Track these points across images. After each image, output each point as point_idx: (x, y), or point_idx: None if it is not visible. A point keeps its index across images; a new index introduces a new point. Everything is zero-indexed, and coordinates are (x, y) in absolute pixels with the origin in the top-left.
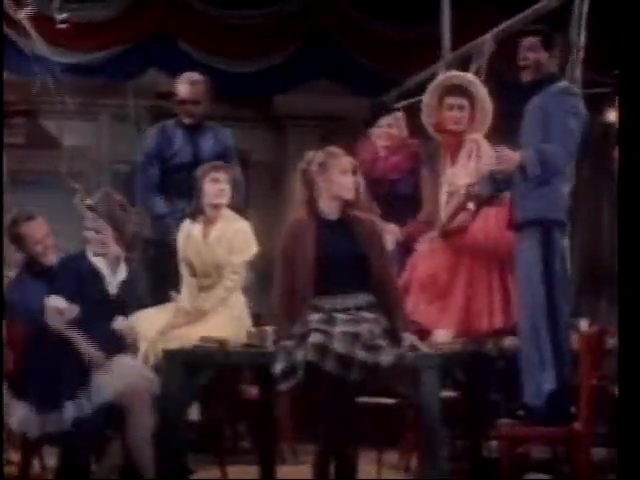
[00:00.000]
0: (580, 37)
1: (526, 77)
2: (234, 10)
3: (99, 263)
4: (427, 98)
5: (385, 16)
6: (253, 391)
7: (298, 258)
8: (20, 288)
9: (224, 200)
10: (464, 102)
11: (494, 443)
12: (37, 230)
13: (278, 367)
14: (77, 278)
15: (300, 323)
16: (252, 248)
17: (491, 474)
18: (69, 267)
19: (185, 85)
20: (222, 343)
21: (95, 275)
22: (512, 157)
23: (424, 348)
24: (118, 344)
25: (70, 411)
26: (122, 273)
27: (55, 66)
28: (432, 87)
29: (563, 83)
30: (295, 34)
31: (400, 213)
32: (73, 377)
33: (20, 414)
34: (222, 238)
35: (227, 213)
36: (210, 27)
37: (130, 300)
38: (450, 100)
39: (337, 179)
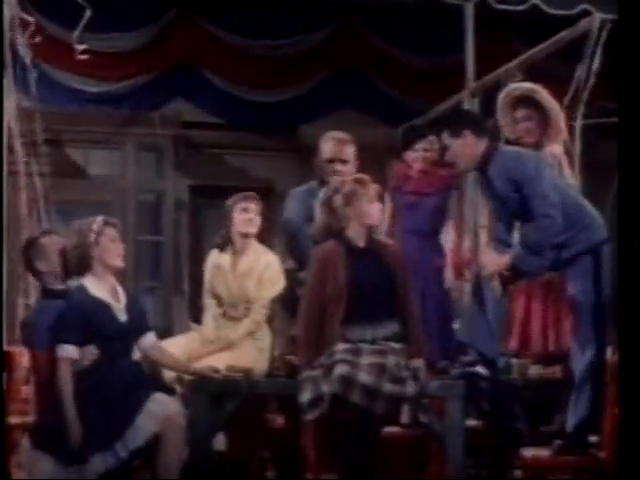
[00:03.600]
0: (593, 66)
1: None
2: (260, 40)
3: (100, 293)
4: (500, 117)
5: (410, 46)
6: (279, 420)
7: (328, 287)
8: (41, 312)
9: (253, 229)
10: (531, 112)
11: (519, 472)
12: (56, 241)
13: (304, 397)
14: (85, 315)
15: (327, 353)
16: (281, 282)
17: None
18: (73, 307)
19: (331, 143)
20: (247, 373)
21: (102, 306)
22: (500, 261)
23: (424, 377)
24: (143, 375)
25: (105, 462)
26: (123, 298)
27: (81, 96)
28: (500, 105)
29: (506, 150)
30: (320, 64)
31: (423, 225)
32: (108, 424)
33: (44, 469)
34: (251, 270)
35: (256, 245)
36: (236, 57)
37: (142, 322)
38: (518, 113)
39: (366, 208)
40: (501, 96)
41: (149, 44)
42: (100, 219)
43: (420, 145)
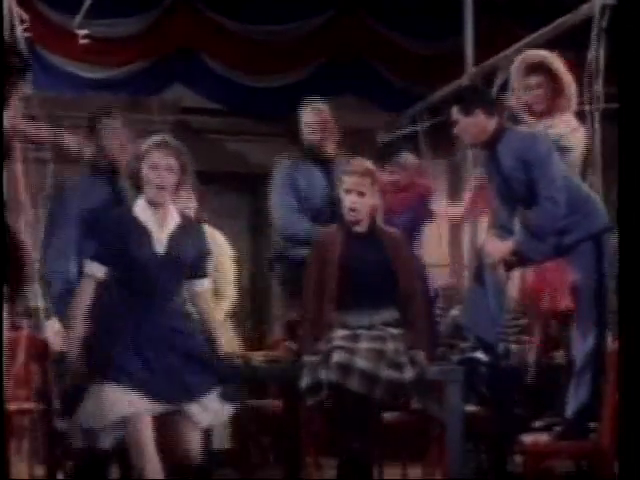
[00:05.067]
0: (599, 52)
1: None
2: (258, 25)
3: (146, 217)
4: (512, 82)
5: (409, 31)
6: (278, 405)
7: (326, 272)
8: (81, 186)
9: None
10: (543, 80)
11: (518, 458)
12: (118, 127)
13: (303, 383)
14: (119, 238)
15: (325, 339)
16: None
17: None
18: (108, 224)
19: (311, 114)
20: (246, 358)
21: (139, 229)
22: (504, 248)
23: (427, 368)
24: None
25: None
26: (171, 225)
27: (80, 81)
28: (513, 71)
29: (518, 130)
30: (320, 49)
31: None
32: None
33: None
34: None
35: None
36: (235, 42)
37: (183, 262)
38: (531, 80)
39: (342, 196)
40: (516, 61)
41: (148, 30)
42: (151, 141)
43: (387, 167)
